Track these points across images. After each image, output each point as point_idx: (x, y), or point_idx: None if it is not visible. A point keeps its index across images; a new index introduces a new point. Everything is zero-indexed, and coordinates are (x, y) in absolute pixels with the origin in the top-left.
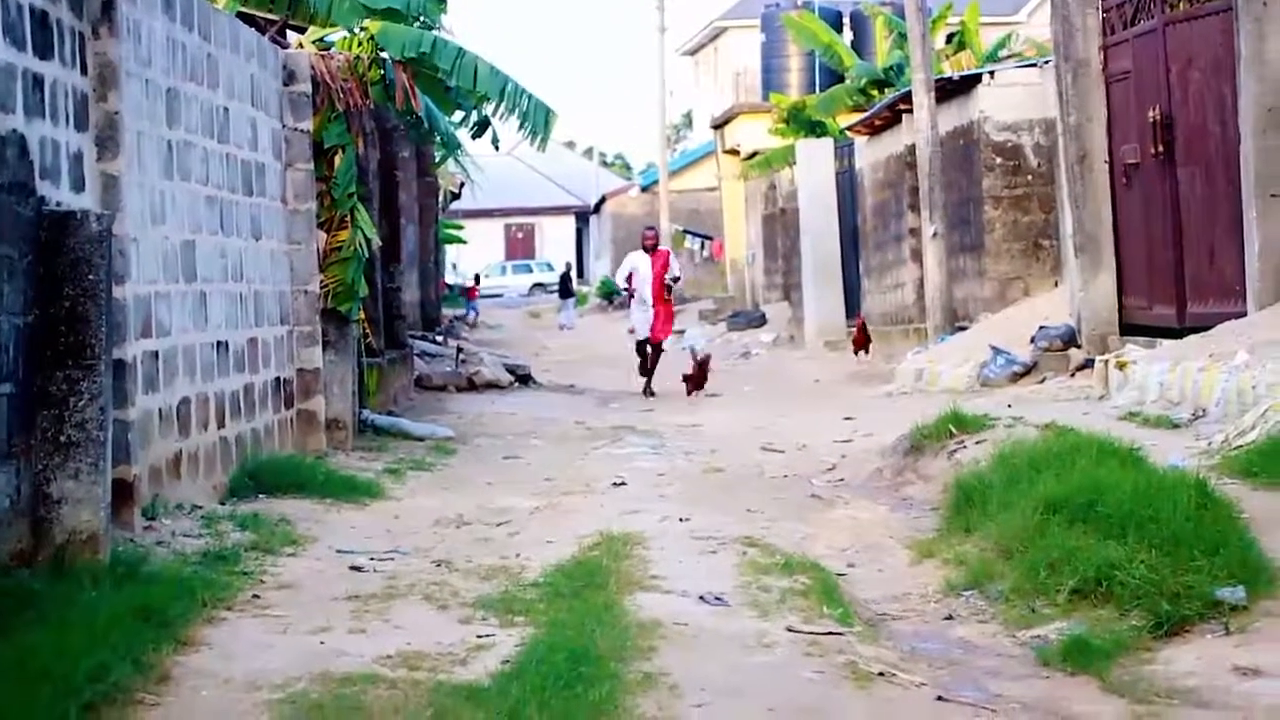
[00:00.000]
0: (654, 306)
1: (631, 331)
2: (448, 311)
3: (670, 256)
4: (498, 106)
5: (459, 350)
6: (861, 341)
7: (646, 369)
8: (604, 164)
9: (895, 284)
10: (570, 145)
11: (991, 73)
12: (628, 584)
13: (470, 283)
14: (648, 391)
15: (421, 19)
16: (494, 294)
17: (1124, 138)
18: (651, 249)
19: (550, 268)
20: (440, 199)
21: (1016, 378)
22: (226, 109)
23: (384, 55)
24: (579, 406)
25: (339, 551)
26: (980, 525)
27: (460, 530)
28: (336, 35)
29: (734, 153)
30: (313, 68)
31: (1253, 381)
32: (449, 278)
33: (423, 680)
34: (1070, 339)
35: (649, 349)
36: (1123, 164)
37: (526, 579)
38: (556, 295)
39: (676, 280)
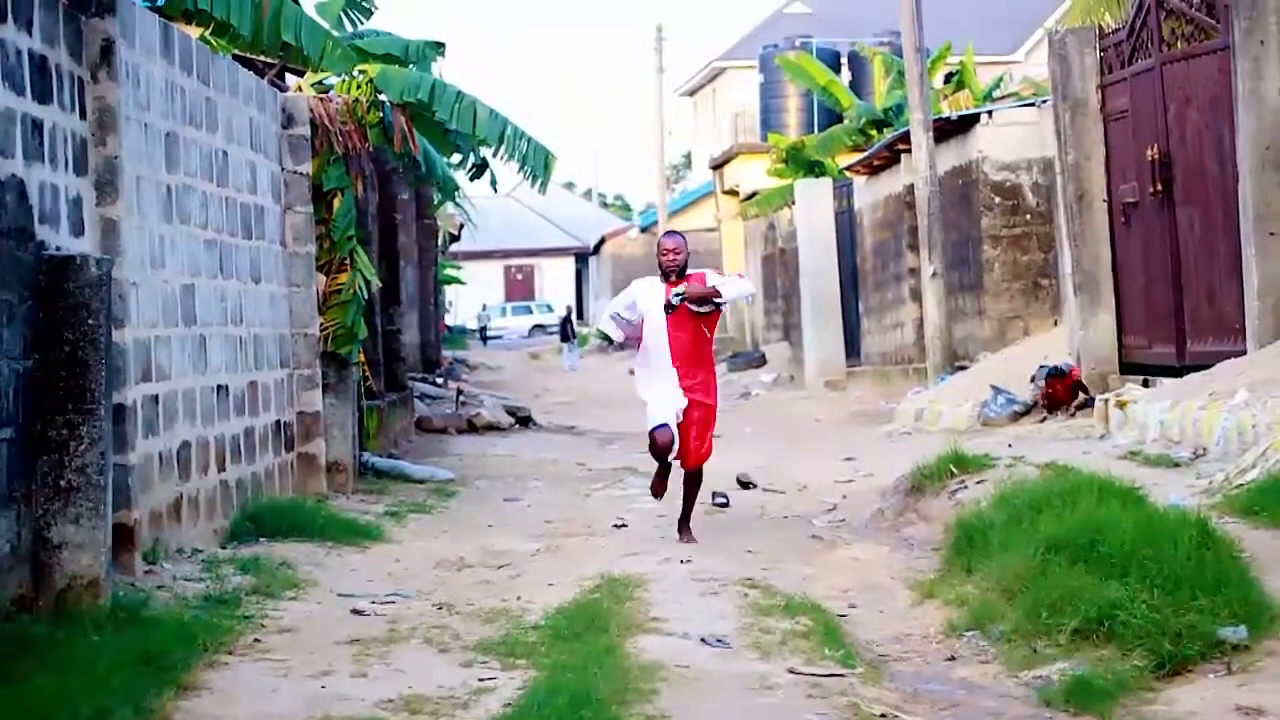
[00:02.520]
0: (683, 375)
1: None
2: (447, 353)
3: (717, 276)
4: (497, 149)
5: (459, 392)
6: (1065, 396)
7: (663, 484)
8: (603, 205)
9: (895, 323)
10: (569, 186)
11: (990, 112)
12: (629, 626)
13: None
14: (683, 533)
15: (420, 63)
16: (494, 335)
17: (1122, 177)
18: (677, 273)
19: (550, 309)
20: (439, 241)
21: (1017, 417)
22: (226, 152)
23: (383, 98)
24: (579, 448)
25: (340, 595)
26: (981, 565)
27: (461, 573)
28: (335, 79)
29: (733, 193)
30: (311, 111)
31: (1253, 420)
32: (447, 319)
33: None
34: None
35: (671, 462)
36: (1121, 203)
37: (528, 622)
38: (557, 337)
39: (749, 296)
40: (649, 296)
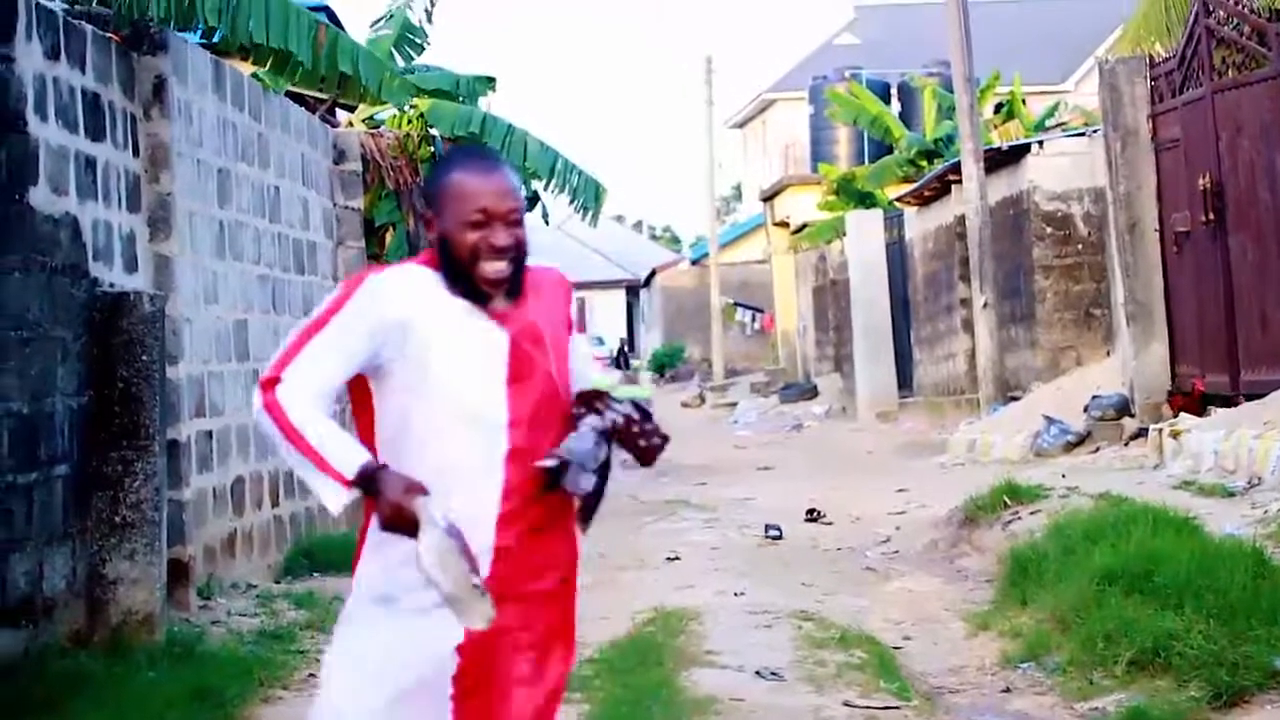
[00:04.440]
0: (509, 564)
1: None
2: None
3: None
4: (548, 182)
5: None
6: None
7: None
8: (653, 237)
9: (947, 354)
10: (619, 219)
11: (1040, 142)
12: (683, 660)
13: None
14: None
15: (470, 97)
16: None
17: (1174, 206)
18: (509, 275)
19: (602, 342)
20: None
21: (1070, 447)
22: (278, 188)
23: (434, 133)
24: (631, 480)
25: None
26: (1036, 597)
27: None
28: (386, 113)
29: (783, 225)
30: (363, 146)
31: None
32: None
33: None
34: (1124, 408)
35: None
36: (1173, 232)
37: (582, 655)
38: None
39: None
40: (424, 324)
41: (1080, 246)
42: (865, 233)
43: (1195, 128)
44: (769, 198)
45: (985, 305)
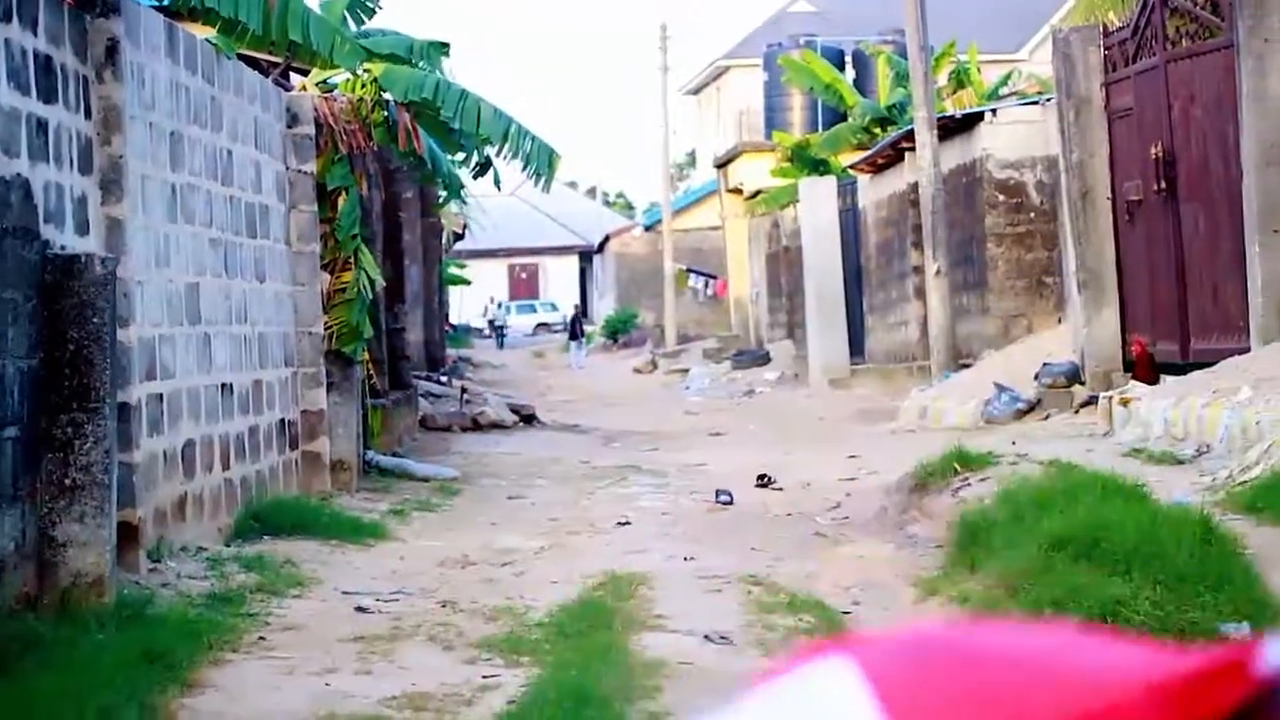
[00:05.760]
0: None
1: None
2: (452, 352)
3: None
4: (501, 148)
5: (463, 390)
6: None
7: None
8: (606, 203)
9: (899, 321)
10: (573, 185)
11: (994, 110)
12: (632, 624)
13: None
14: None
15: (424, 62)
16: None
17: (1126, 174)
18: None
19: (555, 308)
20: (444, 239)
21: (1021, 415)
22: (230, 151)
23: (387, 97)
24: (583, 446)
25: (344, 593)
26: (985, 563)
27: (465, 571)
28: (340, 78)
29: (737, 191)
30: (316, 110)
31: (1257, 417)
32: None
33: None
34: (1074, 376)
35: None
36: (1125, 201)
37: (532, 619)
38: (564, 336)
39: None
40: None
41: (1033, 215)
42: (818, 200)
43: (1148, 97)
44: (723, 164)
45: (938, 273)
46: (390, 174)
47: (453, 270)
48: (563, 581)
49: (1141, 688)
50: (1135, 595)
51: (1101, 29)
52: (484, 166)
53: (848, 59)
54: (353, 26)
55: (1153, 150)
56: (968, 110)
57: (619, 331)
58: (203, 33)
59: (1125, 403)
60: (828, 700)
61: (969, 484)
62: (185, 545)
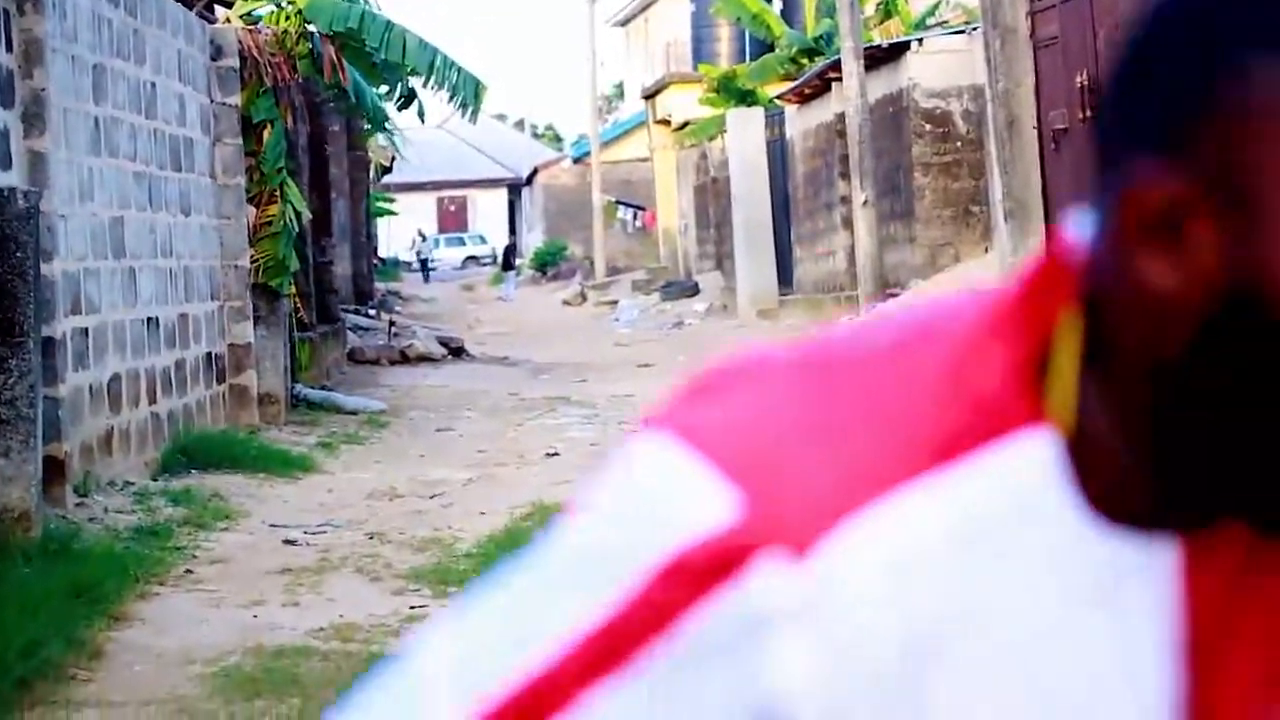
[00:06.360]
0: None
1: None
2: (380, 285)
3: None
4: (427, 79)
5: (391, 324)
6: None
7: None
8: (535, 136)
9: (827, 252)
10: (501, 118)
11: (920, 40)
12: None
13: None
14: None
15: None
16: (433, 267)
17: (1052, 103)
18: None
19: (484, 240)
20: (371, 173)
21: None
22: (154, 84)
23: (312, 29)
24: (512, 378)
25: (272, 526)
26: None
27: (393, 503)
28: (264, 10)
29: (665, 123)
30: (240, 42)
31: None
32: (379, 250)
33: (355, 652)
34: None
35: None
36: (1051, 130)
37: (459, 550)
38: (495, 267)
39: None
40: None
41: (959, 144)
42: (746, 131)
43: (1073, 25)
44: (651, 96)
45: (865, 203)
46: (316, 107)
47: (381, 204)
48: (490, 512)
49: (984, 329)
50: None
51: None
52: (409, 98)
53: None
54: None
55: (1078, 79)
56: (894, 40)
57: (548, 264)
58: None
59: None
60: (656, 484)
61: None
62: (112, 480)
